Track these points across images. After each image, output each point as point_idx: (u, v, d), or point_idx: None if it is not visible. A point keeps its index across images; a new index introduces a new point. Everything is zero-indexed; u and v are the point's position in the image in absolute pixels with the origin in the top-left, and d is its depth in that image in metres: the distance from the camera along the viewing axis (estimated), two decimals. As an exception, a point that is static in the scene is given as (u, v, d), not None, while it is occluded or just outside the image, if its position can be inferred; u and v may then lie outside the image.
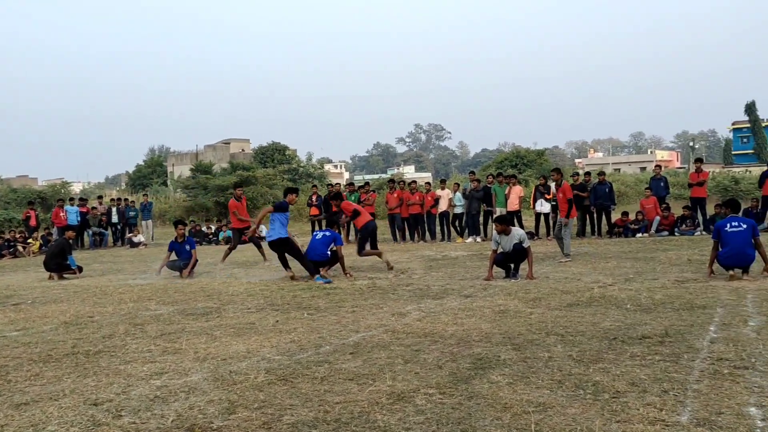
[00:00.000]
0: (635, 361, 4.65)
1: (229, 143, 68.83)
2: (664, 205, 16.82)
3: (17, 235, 20.98)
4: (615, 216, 17.39)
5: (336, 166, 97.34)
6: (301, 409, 3.84)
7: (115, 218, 22.65)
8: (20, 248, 19.93)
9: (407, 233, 18.58)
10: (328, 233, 10.92)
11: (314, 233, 11.44)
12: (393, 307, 7.48)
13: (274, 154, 56.11)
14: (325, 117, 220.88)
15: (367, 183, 22.71)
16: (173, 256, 11.82)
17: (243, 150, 67.07)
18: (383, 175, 59.59)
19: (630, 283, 8.55)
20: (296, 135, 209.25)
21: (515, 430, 3.41)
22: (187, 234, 12.30)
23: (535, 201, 17.64)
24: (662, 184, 17.78)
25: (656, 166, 22.10)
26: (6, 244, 19.89)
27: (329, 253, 10.59)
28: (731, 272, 8.38)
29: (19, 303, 9.01)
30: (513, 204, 17.05)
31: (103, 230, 22.32)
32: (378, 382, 4.34)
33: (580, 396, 3.93)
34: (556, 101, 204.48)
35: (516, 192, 17.26)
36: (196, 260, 11.81)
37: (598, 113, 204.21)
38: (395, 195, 18.46)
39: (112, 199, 25.18)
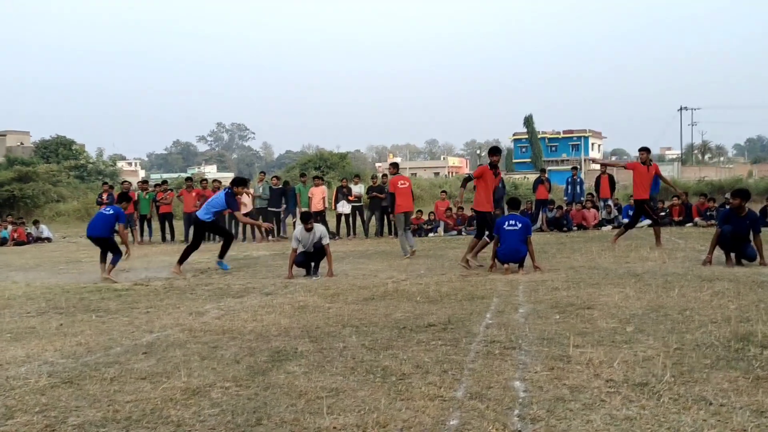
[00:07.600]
0: (421, 347, 5.04)
1: (5, 135, 61.95)
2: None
3: None
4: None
5: (130, 164, 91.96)
6: (88, 410, 3.66)
7: None
8: None
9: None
10: (111, 211, 10.58)
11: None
12: (191, 306, 7.32)
13: (58, 149, 51.76)
14: (119, 111, 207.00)
15: (164, 181, 21.85)
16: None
17: (22, 143, 60.89)
18: (182, 174, 57.34)
19: (421, 278, 9.14)
20: (85, 129, 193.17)
21: (308, 413, 3.56)
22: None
23: (336, 202, 18.16)
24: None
25: (573, 168, 20.97)
26: None
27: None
28: (506, 266, 9.33)
29: None
30: (317, 204, 17.43)
31: None
32: (172, 380, 4.26)
33: (370, 380, 4.19)
34: (357, 107, 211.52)
35: (320, 192, 17.71)
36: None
37: (397, 120, 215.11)
38: (193, 194, 18.05)
39: None
